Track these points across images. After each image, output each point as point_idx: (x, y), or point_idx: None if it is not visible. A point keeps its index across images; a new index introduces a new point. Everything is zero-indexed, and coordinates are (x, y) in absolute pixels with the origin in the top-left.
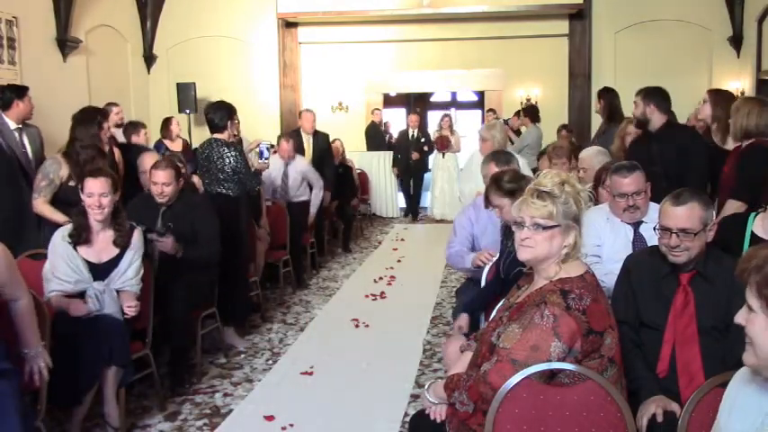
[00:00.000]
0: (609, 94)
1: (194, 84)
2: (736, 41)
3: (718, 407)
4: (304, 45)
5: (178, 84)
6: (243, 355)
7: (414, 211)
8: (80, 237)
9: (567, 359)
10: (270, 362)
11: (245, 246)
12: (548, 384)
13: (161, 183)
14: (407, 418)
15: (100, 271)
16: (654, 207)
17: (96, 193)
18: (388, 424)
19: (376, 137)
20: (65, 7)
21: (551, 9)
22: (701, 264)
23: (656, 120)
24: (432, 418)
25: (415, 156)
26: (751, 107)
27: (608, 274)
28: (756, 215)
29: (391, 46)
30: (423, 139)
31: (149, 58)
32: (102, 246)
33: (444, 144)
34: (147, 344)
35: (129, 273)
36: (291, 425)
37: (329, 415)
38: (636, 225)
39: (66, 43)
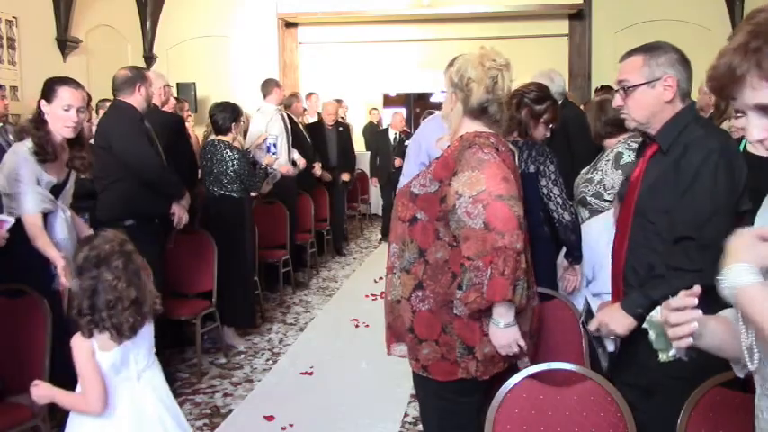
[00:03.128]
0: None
1: (194, 84)
2: None
3: (717, 407)
4: (304, 45)
5: (178, 84)
6: (243, 355)
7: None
8: (47, 153)
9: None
10: (270, 362)
11: (248, 247)
12: (547, 384)
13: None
14: (407, 418)
15: (53, 192)
16: None
17: (75, 106)
18: (388, 424)
19: (373, 137)
20: (65, 7)
21: (551, 9)
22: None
23: None
24: (515, 349)
25: (398, 162)
26: None
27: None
28: None
29: (391, 46)
30: (406, 142)
31: (149, 58)
32: (60, 166)
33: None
34: None
35: (71, 191)
36: (291, 425)
37: (329, 415)
38: None
39: (66, 43)
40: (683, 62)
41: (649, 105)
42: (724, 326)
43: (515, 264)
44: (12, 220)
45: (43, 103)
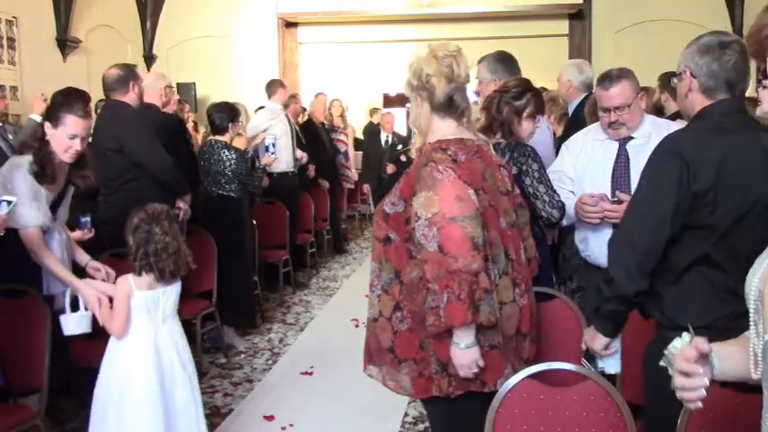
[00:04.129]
0: None
1: (194, 84)
2: None
3: (717, 407)
4: (304, 45)
5: (178, 84)
6: (243, 355)
7: None
8: (46, 175)
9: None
10: (270, 362)
11: (247, 247)
12: (547, 384)
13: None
14: (407, 419)
15: (51, 209)
16: (650, 120)
17: (80, 135)
18: (388, 424)
19: (372, 136)
20: (65, 7)
21: (551, 9)
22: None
23: (671, 108)
24: (474, 370)
25: (390, 169)
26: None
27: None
28: None
29: (391, 46)
30: (399, 146)
31: (149, 58)
32: (58, 185)
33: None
34: None
35: (67, 210)
36: (291, 425)
37: (329, 415)
38: (623, 141)
39: (66, 43)
40: (708, 52)
41: (679, 98)
42: (745, 352)
43: (470, 286)
44: (14, 200)
45: (47, 125)
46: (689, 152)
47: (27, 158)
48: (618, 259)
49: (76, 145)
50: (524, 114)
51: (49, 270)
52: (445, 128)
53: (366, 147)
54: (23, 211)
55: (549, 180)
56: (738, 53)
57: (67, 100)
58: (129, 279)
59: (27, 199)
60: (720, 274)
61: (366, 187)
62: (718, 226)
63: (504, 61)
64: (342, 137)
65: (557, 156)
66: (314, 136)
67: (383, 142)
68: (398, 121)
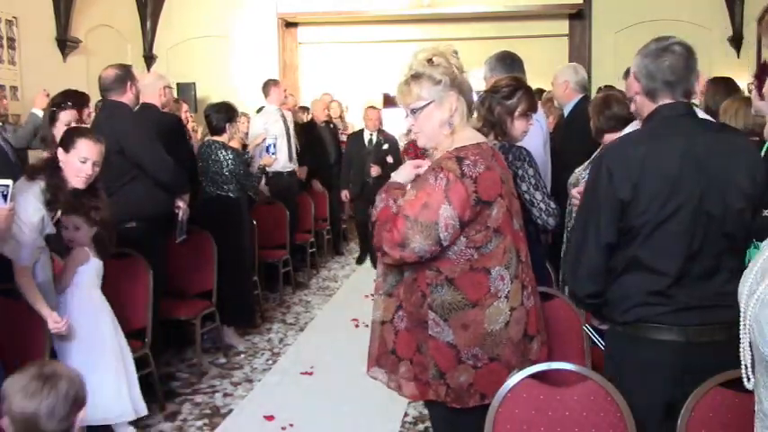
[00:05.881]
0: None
1: (194, 84)
2: (736, 41)
3: (717, 407)
4: (304, 45)
5: (178, 84)
6: (243, 355)
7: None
8: (58, 201)
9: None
10: (270, 362)
11: (246, 246)
12: (547, 384)
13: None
14: (407, 418)
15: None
16: None
17: (92, 159)
18: (388, 424)
19: (355, 136)
20: (65, 7)
21: (551, 9)
22: None
23: None
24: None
25: (374, 171)
26: (738, 107)
27: None
28: None
29: (391, 46)
30: (386, 146)
31: (149, 58)
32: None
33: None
34: (147, 344)
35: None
36: (291, 425)
37: (329, 415)
38: None
39: (66, 43)
40: (648, 55)
41: (632, 101)
42: None
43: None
44: (9, 183)
45: (60, 151)
46: (612, 162)
47: (39, 185)
48: (568, 265)
49: (88, 169)
50: (516, 113)
51: (29, 301)
52: (467, 130)
53: (347, 149)
54: (23, 250)
55: (545, 186)
56: (677, 54)
57: (82, 129)
58: (86, 250)
59: (30, 236)
60: (652, 276)
61: (345, 194)
62: (641, 229)
63: (503, 60)
64: (344, 137)
65: (550, 155)
66: (314, 137)
67: (366, 142)
68: (393, 120)
